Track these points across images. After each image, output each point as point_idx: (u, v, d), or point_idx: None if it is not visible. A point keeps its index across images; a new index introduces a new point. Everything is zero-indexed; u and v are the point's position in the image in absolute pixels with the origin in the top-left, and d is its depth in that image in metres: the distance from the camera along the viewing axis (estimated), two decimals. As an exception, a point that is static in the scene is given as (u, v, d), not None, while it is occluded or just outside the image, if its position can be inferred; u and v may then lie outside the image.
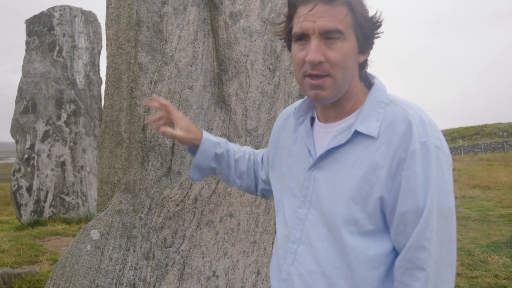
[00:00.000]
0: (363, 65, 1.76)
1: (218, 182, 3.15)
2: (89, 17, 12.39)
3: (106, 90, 3.05)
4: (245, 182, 2.25)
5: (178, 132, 2.08)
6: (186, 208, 3.01)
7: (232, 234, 3.24)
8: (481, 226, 11.06)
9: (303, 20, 1.60)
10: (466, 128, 60.55)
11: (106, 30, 3.05)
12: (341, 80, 1.62)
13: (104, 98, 3.07)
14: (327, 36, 1.58)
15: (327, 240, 1.66)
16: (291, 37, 1.70)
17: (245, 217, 3.31)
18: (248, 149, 2.30)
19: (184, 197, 2.99)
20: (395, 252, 1.61)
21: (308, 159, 1.78)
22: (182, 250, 2.98)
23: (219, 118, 3.16)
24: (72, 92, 11.68)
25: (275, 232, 3.40)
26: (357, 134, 1.64)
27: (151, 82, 2.85)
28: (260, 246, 3.41)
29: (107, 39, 3.04)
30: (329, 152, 1.70)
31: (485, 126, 59.31)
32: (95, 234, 2.77)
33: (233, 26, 3.15)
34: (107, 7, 3.05)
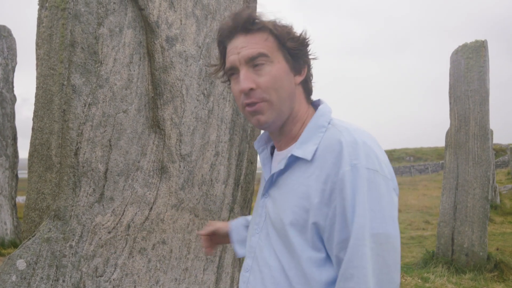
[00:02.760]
0: (305, 86, 1.78)
1: (151, 208, 3.08)
2: (3, 32, 11.88)
3: (35, 112, 2.91)
4: None
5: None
6: (119, 235, 2.91)
7: (164, 262, 3.16)
8: (394, 248, 11.44)
9: (230, 55, 1.67)
10: (376, 152, 62.83)
11: (36, 49, 2.92)
12: (277, 102, 1.64)
13: (33, 119, 2.93)
14: (253, 63, 1.62)
15: (274, 266, 1.64)
16: (227, 74, 1.76)
17: (177, 243, 3.25)
18: None
19: (117, 224, 2.90)
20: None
21: (264, 187, 1.81)
22: (113, 279, 2.87)
23: (153, 143, 3.10)
24: (-17, 109, 11.12)
25: (207, 259, 3.37)
26: (296, 159, 1.65)
27: (85, 105, 2.76)
28: (192, 273, 3.35)
29: (37, 58, 2.91)
30: (274, 179, 1.73)
31: (394, 151, 61.79)
32: (21, 264, 2.61)
33: (169, 50, 3.12)
34: (38, 26, 2.93)
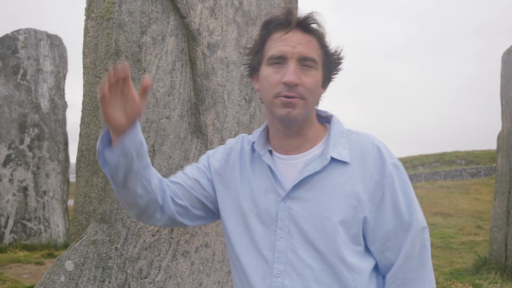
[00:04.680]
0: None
1: (194, 212, 3.14)
2: (54, 41, 12.27)
3: (82, 118, 3.02)
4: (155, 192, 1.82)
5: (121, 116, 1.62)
6: (162, 238, 2.98)
7: (207, 265, 3.22)
8: (444, 253, 11.24)
9: (282, 44, 1.70)
10: (426, 156, 61.65)
11: (83, 58, 3.03)
12: (311, 104, 1.74)
13: (80, 126, 3.04)
14: (303, 63, 1.69)
15: (316, 266, 1.69)
16: (261, 62, 1.78)
17: (220, 247, 3.30)
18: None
19: (160, 227, 2.97)
20: (377, 270, 1.77)
21: (277, 191, 1.77)
22: (157, 281, 2.95)
23: (195, 148, 3.17)
24: (36, 116, 11.49)
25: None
26: (331, 161, 1.73)
27: (129, 112, 2.84)
28: (234, 276, 3.40)
29: (84, 67, 3.03)
30: (303, 181, 1.74)
31: (444, 154, 60.51)
32: (69, 265, 2.72)
33: (210, 57, 3.18)
34: (85, 36, 3.04)
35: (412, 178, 49.48)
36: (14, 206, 10.94)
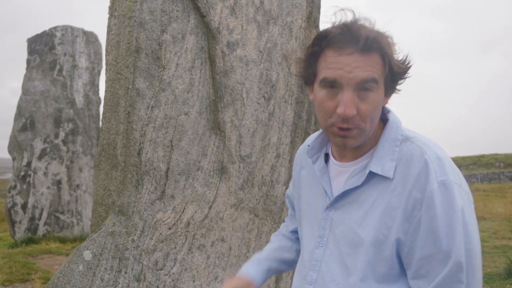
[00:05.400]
0: None
1: (210, 206, 3.20)
2: (90, 38, 12.50)
3: (104, 113, 3.11)
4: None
5: None
6: (179, 231, 3.05)
7: (223, 259, 3.28)
8: (475, 257, 11.01)
9: (337, 68, 1.51)
10: (463, 158, 60.57)
11: (106, 56, 3.12)
12: (369, 130, 1.58)
13: (102, 121, 3.14)
14: (362, 86, 1.50)
15: (342, 283, 1.62)
16: (314, 77, 1.62)
17: (236, 242, 3.35)
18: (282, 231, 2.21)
19: (177, 220, 3.04)
20: None
21: (325, 199, 1.74)
22: (173, 273, 3.02)
23: (213, 144, 3.23)
24: (71, 111, 11.74)
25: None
26: (373, 175, 1.60)
27: (148, 108, 2.92)
28: (251, 271, 3.45)
29: (106, 64, 3.11)
30: (346, 193, 1.66)
31: (482, 156, 59.33)
32: (87, 255, 2.81)
33: (229, 55, 3.24)
34: (108, 33, 3.13)
35: (447, 180, 48.58)
36: (48, 199, 11.20)
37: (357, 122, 1.52)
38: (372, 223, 1.56)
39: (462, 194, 1.50)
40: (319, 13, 3.96)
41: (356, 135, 1.55)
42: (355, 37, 1.48)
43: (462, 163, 58.22)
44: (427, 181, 1.48)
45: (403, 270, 1.56)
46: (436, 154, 1.54)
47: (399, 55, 1.58)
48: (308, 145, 1.83)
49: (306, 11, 3.79)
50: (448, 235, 1.45)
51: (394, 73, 1.57)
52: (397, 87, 1.65)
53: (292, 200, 2.05)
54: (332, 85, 1.52)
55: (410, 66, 1.61)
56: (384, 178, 1.58)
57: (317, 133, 1.84)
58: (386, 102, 1.66)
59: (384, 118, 1.71)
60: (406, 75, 1.62)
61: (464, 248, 1.45)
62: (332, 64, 1.51)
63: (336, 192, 1.69)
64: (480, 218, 18.13)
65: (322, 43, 1.55)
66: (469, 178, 47.50)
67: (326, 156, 1.80)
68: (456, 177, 1.52)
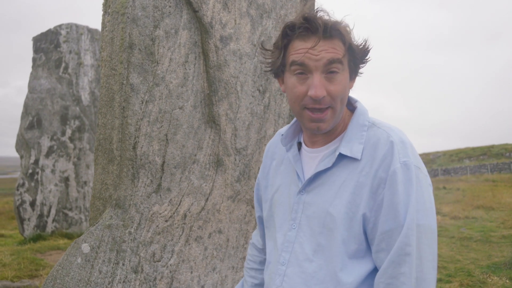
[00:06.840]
0: None
1: (207, 199, 3.25)
2: (95, 35, 12.58)
3: (99, 109, 3.16)
4: None
5: None
6: (175, 224, 3.10)
7: (221, 250, 3.33)
8: (483, 247, 11.03)
9: (304, 52, 1.63)
10: (473, 149, 60.27)
11: (101, 52, 3.17)
12: (339, 110, 1.70)
13: (98, 116, 3.19)
14: (329, 69, 1.63)
15: (315, 261, 1.71)
16: (284, 67, 1.74)
17: (234, 233, 3.40)
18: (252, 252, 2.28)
19: (173, 213, 3.09)
20: (376, 271, 1.66)
21: (297, 184, 1.83)
22: (170, 265, 3.07)
23: (209, 137, 3.27)
24: (77, 108, 11.84)
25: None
26: (342, 157, 1.72)
27: (142, 102, 2.97)
28: (249, 262, 3.49)
29: (101, 60, 3.16)
30: (317, 176, 1.76)
31: (492, 146, 59.03)
32: (85, 248, 2.86)
33: (223, 49, 3.27)
34: (102, 30, 3.18)
35: (457, 171, 48.48)
36: (56, 196, 11.31)
37: (328, 102, 1.65)
38: (342, 201, 1.67)
39: (421, 176, 1.64)
40: (313, 5, 3.98)
41: (329, 118, 1.68)
42: (315, 26, 1.62)
43: (472, 154, 57.93)
44: (391, 161, 1.62)
45: (369, 246, 1.67)
46: (400, 138, 1.67)
47: (358, 40, 1.72)
48: (282, 134, 1.93)
49: (300, 4, 3.81)
50: (404, 210, 1.58)
51: (355, 55, 1.70)
52: (360, 70, 1.78)
53: (260, 192, 2.11)
54: (302, 71, 1.66)
55: (370, 49, 1.75)
56: (353, 159, 1.70)
57: (289, 124, 1.95)
58: (352, 86, 1.79)
59: (351, 108, 1.85)
60: (367, 58, 1.76)
61: (416, 224, 1.57)
62: (300, 50, 1.65)
63: (308, 176, 1.79)
64: (488, 208, 18.09)
65: (288, 35, 1.69)
66: (479, 169, 47.29)
67: (299, 145, 1.91)
68: (417, 160, 1.65)
